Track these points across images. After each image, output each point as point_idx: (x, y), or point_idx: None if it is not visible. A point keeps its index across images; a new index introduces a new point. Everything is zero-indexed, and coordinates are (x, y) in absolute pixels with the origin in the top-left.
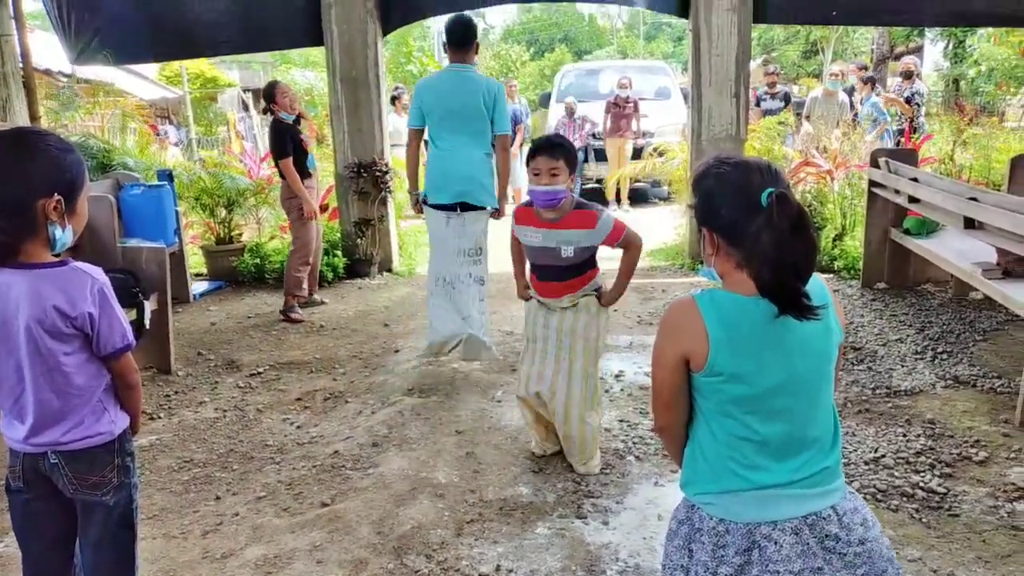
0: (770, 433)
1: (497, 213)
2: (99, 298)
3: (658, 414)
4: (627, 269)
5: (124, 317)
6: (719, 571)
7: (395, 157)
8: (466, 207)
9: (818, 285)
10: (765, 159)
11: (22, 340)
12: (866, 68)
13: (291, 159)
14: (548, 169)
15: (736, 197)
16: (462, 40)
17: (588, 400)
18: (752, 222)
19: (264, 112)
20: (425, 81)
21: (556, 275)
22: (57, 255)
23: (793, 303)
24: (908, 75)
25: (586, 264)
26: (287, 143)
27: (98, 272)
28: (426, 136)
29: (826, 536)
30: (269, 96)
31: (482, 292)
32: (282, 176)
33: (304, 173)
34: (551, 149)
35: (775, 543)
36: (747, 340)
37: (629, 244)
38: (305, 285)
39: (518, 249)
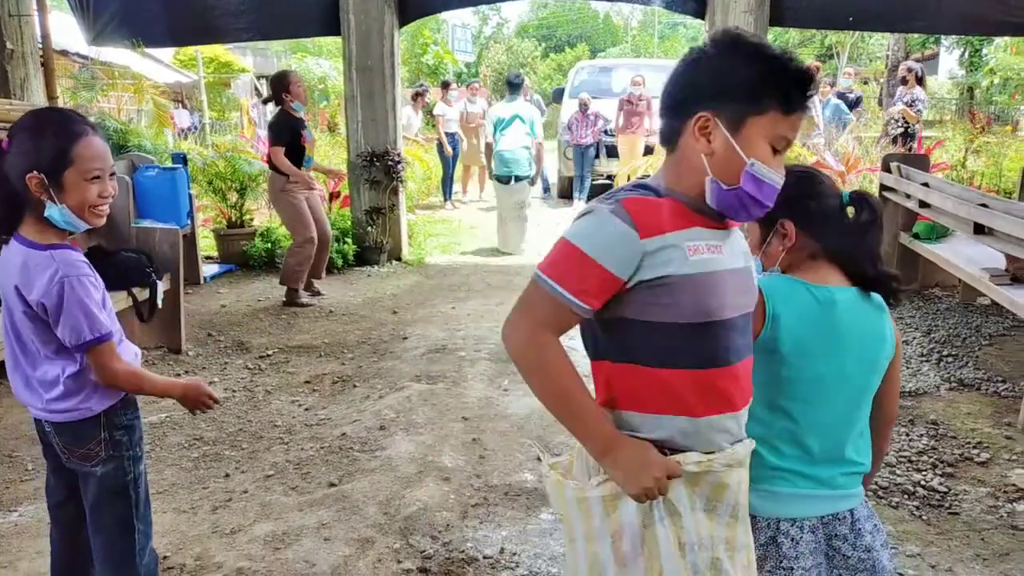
0: (805, 427)
1: (532, 181)
2: (56, 290)
3: None
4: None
5: (88, 315)
6: None
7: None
8: (516, 179)
9: (878, 306)
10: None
11: (8, 310)
12: (858, 74)
13: (284, 149)
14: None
15: (825, 193)
16: (517, 86)
17: None
18: (839, 218)
19: (271, 101)
20: (497, 105)
21: (747, 349)
22: (71, 234)
23: (884, 285)
24: (905, 80)
25: None
26: (285, 132)
27: (73, 266)
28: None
29: (835, 536)
30: (283, 85)
31: (524, 216)
32: (272, 168)
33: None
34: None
35: (792, 539)
36: (802, 322)
37: None
38: (303, 279)
39: (562, 364)
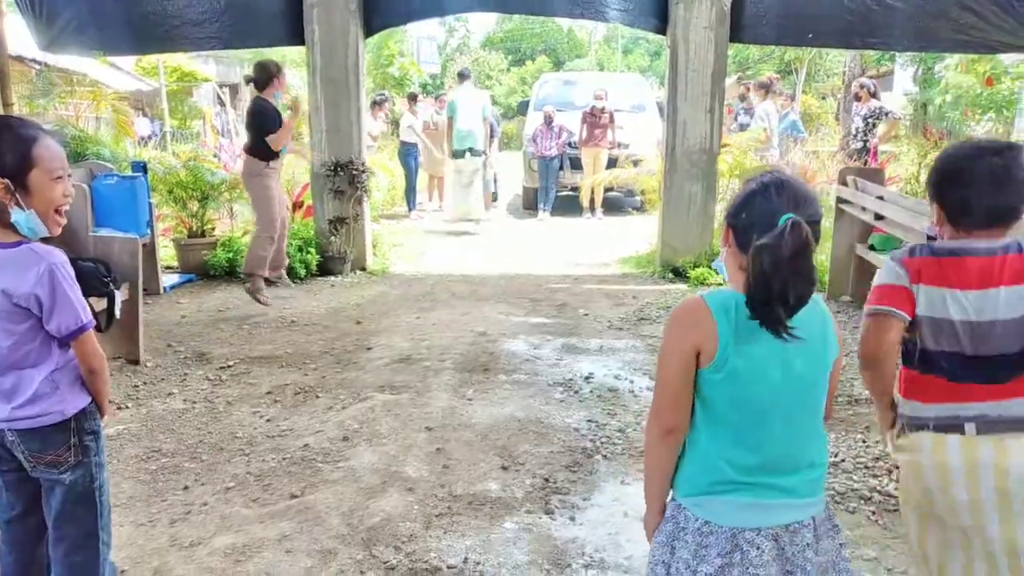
0: (763, 439)
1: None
2: (48, 279)
3: (666, 414)
4: None
5: (79, 300)
6: (699, 569)
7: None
8: (471, 151)
9: (820, 309)
10: (811, 191)
11: None
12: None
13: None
14: None
15: (762, 207)
16: (466, 76)
17: None
18: (761, 236)
19: (251, 83)
20: (454, 92)
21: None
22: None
23: (768, 319)
24: (858, 97)
25: None
26: (272, 117)
27: (53, 254)
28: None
29: (793, 543)
30: (274, 73)
31: (479, 178)
32: (250, 153)
33: (273, 155)
34: None
35: (758, 548)
36: (749, 338)
37: None
38: (267, 266)
39: None
